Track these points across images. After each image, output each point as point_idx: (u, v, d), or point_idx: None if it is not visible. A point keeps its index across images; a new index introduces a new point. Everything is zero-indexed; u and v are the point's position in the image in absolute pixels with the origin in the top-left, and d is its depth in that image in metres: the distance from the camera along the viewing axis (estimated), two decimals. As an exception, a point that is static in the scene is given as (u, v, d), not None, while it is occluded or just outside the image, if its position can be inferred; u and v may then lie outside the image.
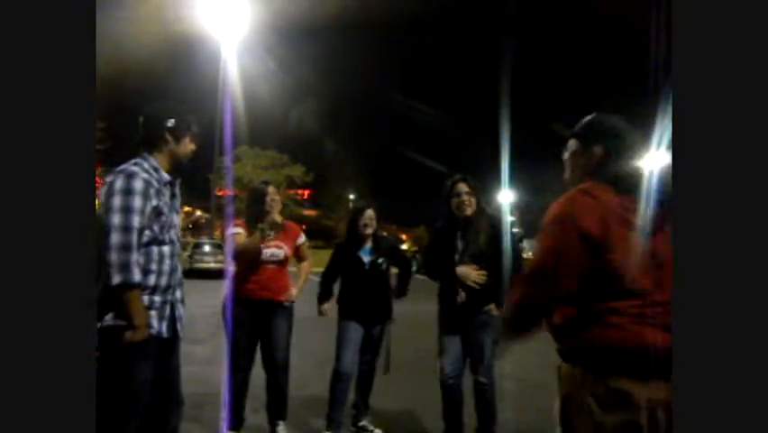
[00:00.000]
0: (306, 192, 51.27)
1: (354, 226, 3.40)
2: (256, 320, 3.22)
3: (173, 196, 2.28)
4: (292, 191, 42.60)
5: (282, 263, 3.31)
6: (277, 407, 3.26)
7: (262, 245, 3.15)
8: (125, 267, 2.00)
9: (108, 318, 2.06)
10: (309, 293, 3.53)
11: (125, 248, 2.02)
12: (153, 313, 2.14)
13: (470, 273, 3.10)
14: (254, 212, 3.26)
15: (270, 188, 3.36)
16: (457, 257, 3.18)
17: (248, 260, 3.17)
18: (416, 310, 3.54)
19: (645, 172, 1.58)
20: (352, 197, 49.94)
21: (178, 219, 2.34)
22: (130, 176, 2.09)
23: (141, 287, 2.08)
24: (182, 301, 2.33)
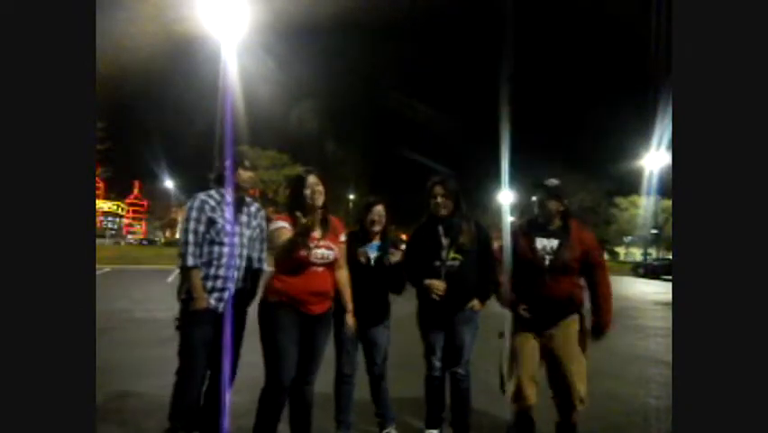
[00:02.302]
0: (307, 192, 51.10)
1: (363, 222, 3.32)
2: (303, 329, 2.93)
3: (239, 212, 3.11)
4: (293, 191, 42.74)
5: (331, 265, 3.00)
6: (306, 419, 3.03)
7: (312, 245, 2.85)
8: (182, 255, 2.95)
9: (183, 292, 2.96)
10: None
11: (184, 243, 2.98)
12: (215, 294, 2.97)
13: (435, 284, 3.18)
14: (295, 204, 2.91)
15: (311, 178, 3.02)
16: (443, 252, 3.22)
17: (294, 256, 2.83)
18: (394, 310, 3.51)
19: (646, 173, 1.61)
20: (351, 197, 49.87)
21: (246, 231, 3.14)
22: (193, 198, 3.10)
23: (199, 270, 2.94)
24: (246, 290, 3.13)
